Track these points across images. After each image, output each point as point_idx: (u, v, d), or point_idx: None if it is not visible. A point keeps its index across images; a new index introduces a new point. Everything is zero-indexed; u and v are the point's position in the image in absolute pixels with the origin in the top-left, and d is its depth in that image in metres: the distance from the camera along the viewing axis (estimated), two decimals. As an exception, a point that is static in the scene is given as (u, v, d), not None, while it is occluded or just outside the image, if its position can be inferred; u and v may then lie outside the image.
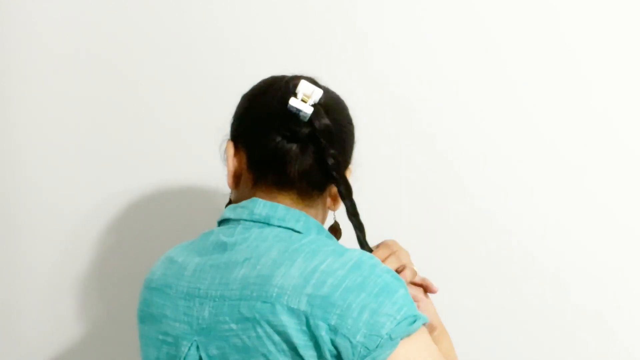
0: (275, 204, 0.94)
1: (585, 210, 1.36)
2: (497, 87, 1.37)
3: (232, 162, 0.98)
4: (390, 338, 0.82)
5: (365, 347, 0.82)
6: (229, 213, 0.96)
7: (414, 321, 0.84)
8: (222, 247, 0.93)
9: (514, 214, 1.36)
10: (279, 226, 0.93)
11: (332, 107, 0.97)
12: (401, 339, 0.82)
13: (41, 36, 1.48)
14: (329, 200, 1.00)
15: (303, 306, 0.84)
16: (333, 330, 0.83)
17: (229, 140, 1.00)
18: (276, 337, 0.85)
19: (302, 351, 0.83)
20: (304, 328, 0.84)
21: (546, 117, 1.36)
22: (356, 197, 0.98)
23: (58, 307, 1.51)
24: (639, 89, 1.33)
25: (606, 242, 1.36)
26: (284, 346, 0.84)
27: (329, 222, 1.04)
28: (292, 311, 0.84)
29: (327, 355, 0.83)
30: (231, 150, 0.98)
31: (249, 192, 0.97)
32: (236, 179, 0.99)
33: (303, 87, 0.93)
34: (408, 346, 0.83)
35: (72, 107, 1.49)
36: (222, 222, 0.97)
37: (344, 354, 0.83)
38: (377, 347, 0.81)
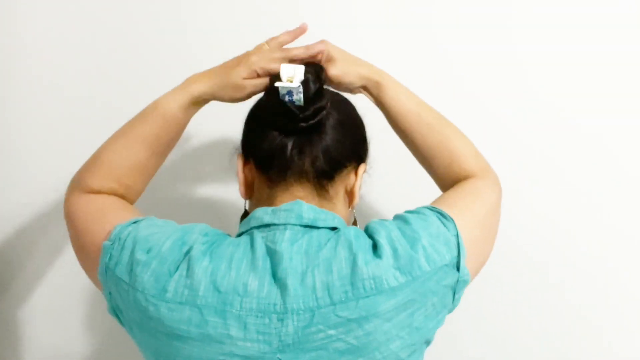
0: (317, 207, 0.95)
1: (576, 208, 1.42)
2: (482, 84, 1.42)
3: (242, 173, 1.01)
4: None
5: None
6: (269, 217, 0.94)
7: None
8: (277, 257, 0.90)
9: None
10: (324, 227, 0.94)
11: (336, 102, 1.01)
12: None
13: (38, 35, 1.49)
14: (346, 197, 1.03)
15: (402, 279, 0.87)
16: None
17: (239, 154, 1.02)
18: (386, 325, 0.87)
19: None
20: (412, 297, 0.88)
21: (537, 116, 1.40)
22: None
23: (60, 306, 1.53)
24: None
25: (600, 240, 1.42)
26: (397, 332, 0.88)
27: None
28: (394, 290, 0.87)
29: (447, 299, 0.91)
30: (240, 162, 1.01)
31: (269, 193, 0.99)
32: (249, 189, 1.02)
33: (284, 70, 0.95)
34: None
35: (72, 107, 1.50)
36: (261, 227, 0.94)
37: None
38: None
